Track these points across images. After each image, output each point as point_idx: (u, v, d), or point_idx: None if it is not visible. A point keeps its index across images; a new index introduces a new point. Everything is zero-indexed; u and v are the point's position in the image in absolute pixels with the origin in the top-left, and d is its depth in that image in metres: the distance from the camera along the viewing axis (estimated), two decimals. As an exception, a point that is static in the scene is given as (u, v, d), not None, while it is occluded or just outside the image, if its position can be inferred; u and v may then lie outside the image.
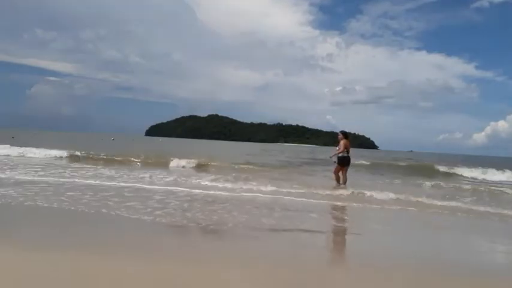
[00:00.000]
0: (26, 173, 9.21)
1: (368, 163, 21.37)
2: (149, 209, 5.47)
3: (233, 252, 3.89)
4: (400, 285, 3.13)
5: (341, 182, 10.31)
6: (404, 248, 4.61)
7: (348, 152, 10.44)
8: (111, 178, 9.02)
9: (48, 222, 4.76)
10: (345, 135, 10.63)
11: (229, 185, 8.57)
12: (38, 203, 5.55)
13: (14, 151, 15.77)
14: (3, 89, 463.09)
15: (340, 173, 10.43)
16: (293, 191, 8.26)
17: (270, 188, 8.37)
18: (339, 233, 5.24)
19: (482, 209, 7.40)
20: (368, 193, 8.27)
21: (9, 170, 9.70)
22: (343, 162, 10.40)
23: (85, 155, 15.83)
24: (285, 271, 3.24)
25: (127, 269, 3.00)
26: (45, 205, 5.43)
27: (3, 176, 8.54)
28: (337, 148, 10.54)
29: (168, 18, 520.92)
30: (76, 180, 8.37)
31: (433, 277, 3.30)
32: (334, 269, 3.64)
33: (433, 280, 3.22)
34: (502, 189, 11.45)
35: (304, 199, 7.36)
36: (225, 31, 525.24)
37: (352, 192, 8.48)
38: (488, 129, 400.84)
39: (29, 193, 6.28)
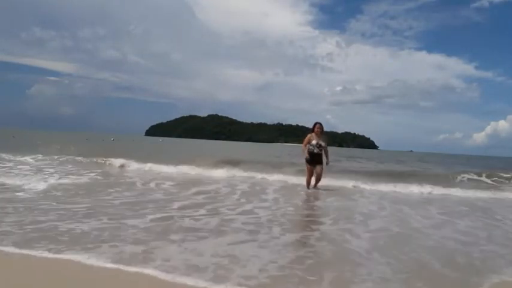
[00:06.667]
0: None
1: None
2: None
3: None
4: None
5: (311, 185, 8.37)
6: None
7: (315, 147, 8.22)
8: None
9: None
10: (313, 127, 8.44)
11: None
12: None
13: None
14: (2, 89, 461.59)
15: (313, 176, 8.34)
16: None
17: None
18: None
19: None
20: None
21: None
22: (309, 161, 8.32)
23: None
24: None
25: None
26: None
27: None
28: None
29: (167, 17, 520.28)
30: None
31: None
32: None
33: None
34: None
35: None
36: (225, 31, 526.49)
37: None
38: (489, 129, 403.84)
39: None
